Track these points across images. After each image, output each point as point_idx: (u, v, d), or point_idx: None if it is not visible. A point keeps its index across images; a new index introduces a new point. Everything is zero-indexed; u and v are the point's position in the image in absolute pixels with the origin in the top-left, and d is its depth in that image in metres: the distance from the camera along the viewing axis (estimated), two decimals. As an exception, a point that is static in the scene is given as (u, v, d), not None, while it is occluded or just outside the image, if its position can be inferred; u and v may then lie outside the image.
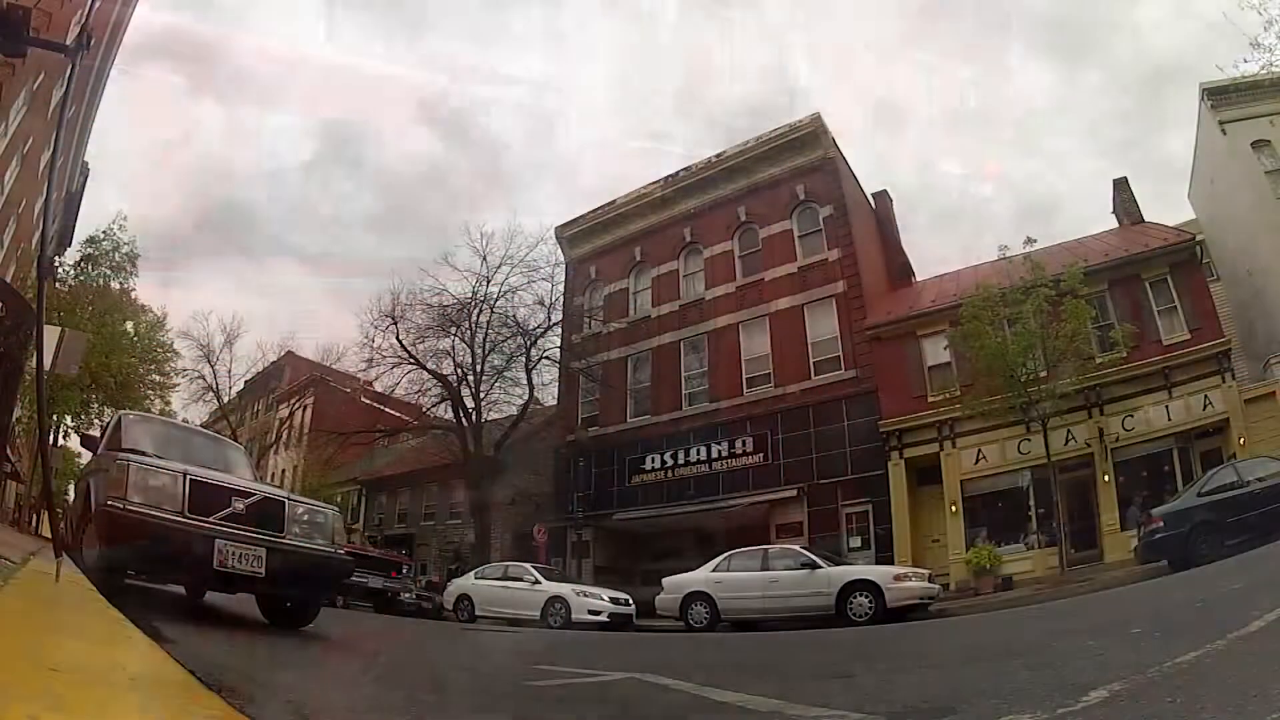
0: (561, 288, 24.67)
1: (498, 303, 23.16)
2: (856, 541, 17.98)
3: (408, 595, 17.49)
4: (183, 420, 20.61)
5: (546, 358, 23.98)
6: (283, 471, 36.13)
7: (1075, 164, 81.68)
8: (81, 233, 23.95)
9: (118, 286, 23.40)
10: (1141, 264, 16.84)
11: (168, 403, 27.28)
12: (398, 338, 23.54)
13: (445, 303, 23.25)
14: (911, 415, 17.97)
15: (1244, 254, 18.63)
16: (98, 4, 13.66)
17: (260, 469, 28.66)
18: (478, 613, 14.04)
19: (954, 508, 16.97)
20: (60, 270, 22.00)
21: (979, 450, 17.04)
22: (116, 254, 23.08)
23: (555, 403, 25.31)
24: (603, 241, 25.63)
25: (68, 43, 6.82)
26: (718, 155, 23.59)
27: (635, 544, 22.49)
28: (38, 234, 14.71)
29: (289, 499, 5.64)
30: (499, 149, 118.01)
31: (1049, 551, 15.40)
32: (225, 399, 32.00)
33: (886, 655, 5.24)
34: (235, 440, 15.53)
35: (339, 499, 17.78)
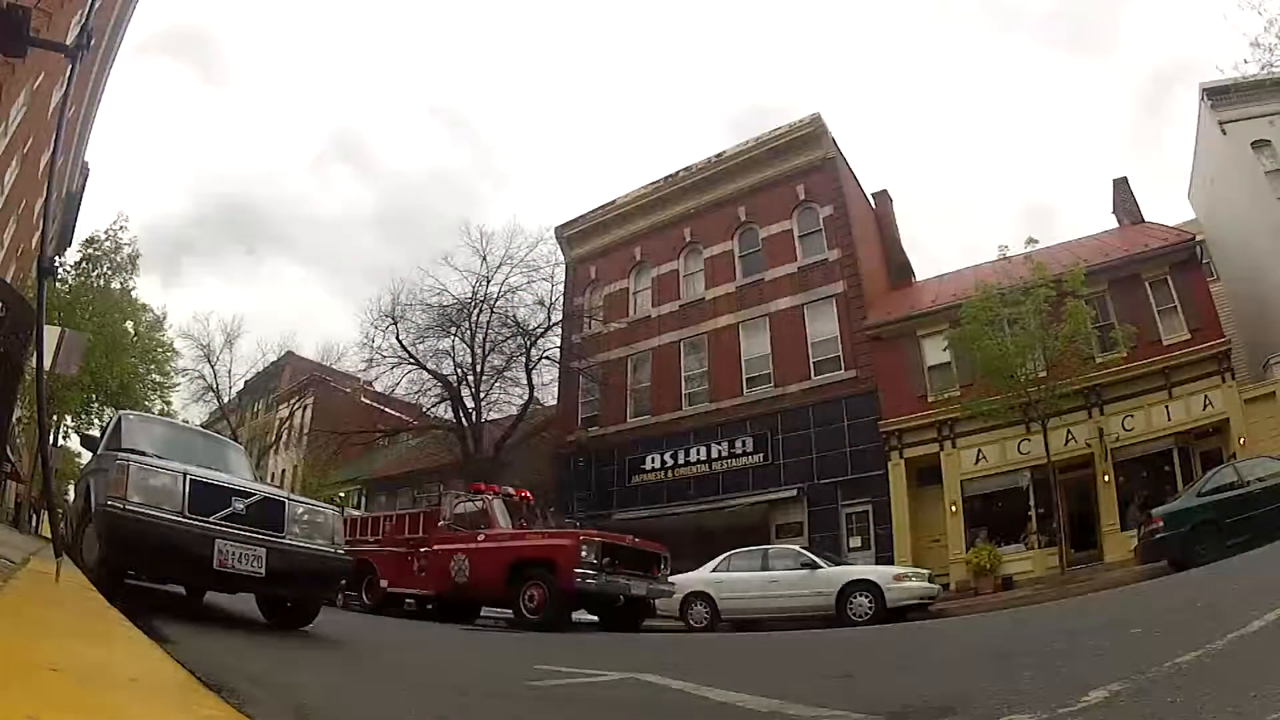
0: (561, 288, 24.69)
1: (498, 303, 23.20)
2: (856, 541, 17.98)
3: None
4: (183, 420, 20.60)
5: (546, 358, 23.99)
6: (283, 471, 36.11)
7: (1076, 163, 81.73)
8: (81, 232, 24.00)
9: (118, 286, 23.42)
10: (1141, 264, 16.84)
11: (168, 403, 27.28)
12: (398, 338, 23.58)
13: (445, 303, 23.30)
14: (911, 415, 17.96)
15: (1244, 254, 18.63)
16: (98, 4, 13.66)
17: (260, 469, 28.70)
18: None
19: (954, 508, 16.97)
20: (60, 270, 21.99)
21: (979, 450, 17.04)
22: (117, 254, 23.13)
23: (555, 403, 25.30)
24: (603, 241, 25.63)
25: (68, 43, 6.81)
26: (718, 155, 23.59)
27: (635, 544, 22.45)
28: (38, 234, 14.70)
29: (289, 499, 5.65)
30: (500, 149, 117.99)
31: (1049, 551, 15.40)
32: (225, 399, 32.00)
33: (886, 655, 5.24)
34: (235, 440, 15.51)
35: (339, 499, 17.72)
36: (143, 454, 5.26)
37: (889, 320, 19.52)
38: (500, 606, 11.03)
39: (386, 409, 27.57)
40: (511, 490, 12.53)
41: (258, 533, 5.04)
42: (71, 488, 19.52)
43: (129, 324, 24.01)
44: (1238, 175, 17.91)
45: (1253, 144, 17.13)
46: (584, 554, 9.48)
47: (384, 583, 12.66)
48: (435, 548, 11.62)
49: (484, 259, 23.29)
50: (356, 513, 14.31)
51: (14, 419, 15.12)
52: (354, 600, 13.53)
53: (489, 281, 23.20)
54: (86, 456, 7.48)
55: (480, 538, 11.00)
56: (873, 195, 24.81)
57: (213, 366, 30.65)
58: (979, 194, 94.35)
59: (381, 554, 13.03)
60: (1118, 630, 4.45)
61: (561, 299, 24.36)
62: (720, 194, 23.10)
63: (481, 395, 23.23)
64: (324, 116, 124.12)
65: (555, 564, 9.56)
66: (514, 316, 23.30)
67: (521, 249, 24.13)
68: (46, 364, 6.82)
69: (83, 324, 18.80)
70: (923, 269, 25.50)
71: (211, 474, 5.39)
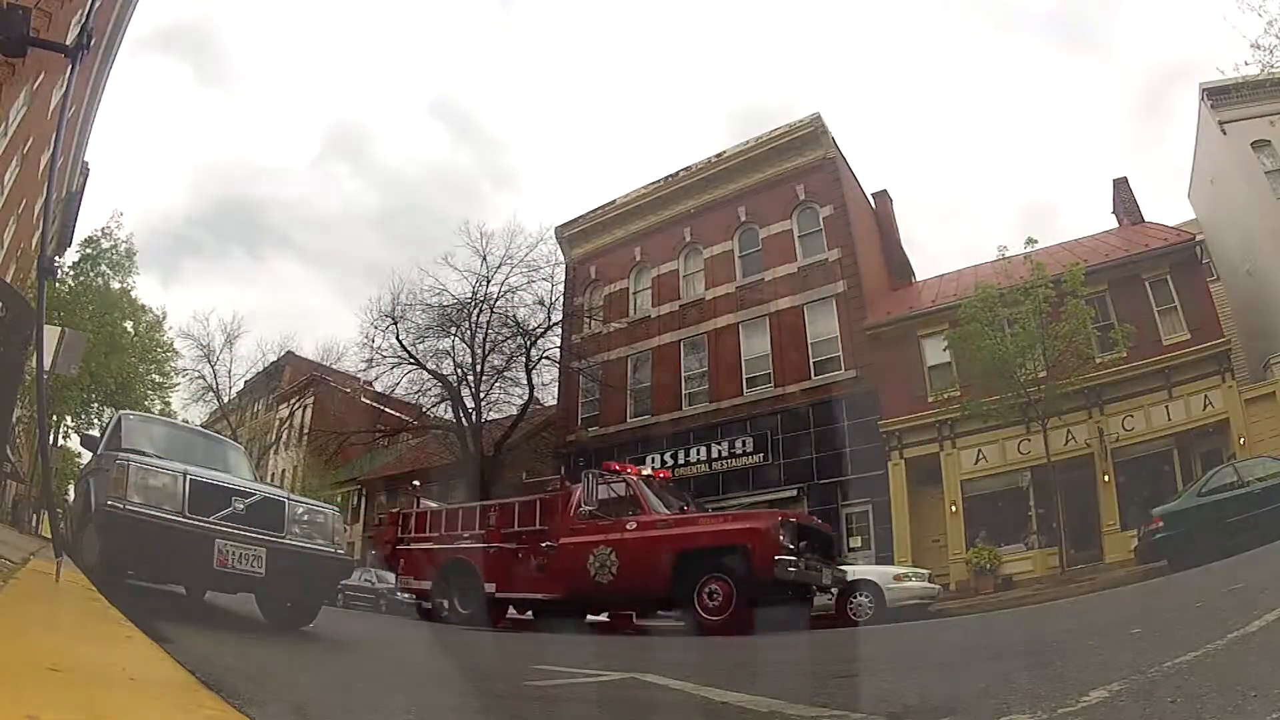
0: (561, 288, 24.66)
1: (498, 303, 23.16)
2: (856, 541, 17.98)
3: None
4: (183, 420, 20.61)
5: (546, 358, 23.99)
6: (283, 471, 36.12)
7: (1076, 163, 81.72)
8: (81, 232, 24.02)
9: (118, 286, 23.44)
10: (1141, 264, 16.84)
11: (168, 403, 27.29)
12: (398, 338, 23.56)
13: (445, 303, 23.28)
14: (911, 415, 17.96)
15: (1244, 254, 18.62)
16: (98, 4, 13.66)
17: (260, 469, 28.69)
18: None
19: (954, 508, 16.97)
20: (60, 270, 22.00)
21: (979, 450, 17.04)
22: (115, 252, 23.14)
23: (555, 403, 25.30)
24: (603, 241, 25.62)
25: (68, 43, 6.82)
26: (718, 155, 23.58)
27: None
28: (38, 234, 14.71)
29: (289, 499, 5.65)
30: (500, 147, 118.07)
31: (1049, 551, 15.40)
32: (225, 399, 32.01)
33: (886, 655, 5.24)
34: (235, 440, 15.49)
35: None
36: (143, 454, 5.26)
37: (889, 320, 19.52)
38: (660, 607, 9.66)
39: (386, 409, 27.58)
40: (650, 470, 10.78)
41: (258, 533, 5.04)
42: (71, 488, 19.54)
43: (128, 324, 24.01)
44: (1238, 175, 17.90)
45: (1253, 144, 17.11)
46: (782, 538, 8.05)
47: (489, 586, 10.56)
48: (564, 541, 9.71)
49: (484, 259, 23.27)
50: (433, 505, 12.66)
51: (14, 419, 15.13)
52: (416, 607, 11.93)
53: (489, 281, 23.18)
54: (86, 456, 7.48)
55: (631, 526, 9.28)
56: (873, 195, 24.80)
57: (213, 366, 30.70)
58: (979, 194, 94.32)
59: (485, 551, 10.93)
60: (1118, 630, 4.45)
61: (561, 299, 24.33)
62: (720, 194, 23.08)
63: (481, 395, 23.23)
64: (325, 115, 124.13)
65: (750, 551, 8.04)
66: (514, 316, 23.30)
67: (522, 249, 24.07)
68: (46, 364, 6.83)
69: (82, 324, 18.79)
70: (923, 269, 25.57)
71: (211, 474, 5.39)
